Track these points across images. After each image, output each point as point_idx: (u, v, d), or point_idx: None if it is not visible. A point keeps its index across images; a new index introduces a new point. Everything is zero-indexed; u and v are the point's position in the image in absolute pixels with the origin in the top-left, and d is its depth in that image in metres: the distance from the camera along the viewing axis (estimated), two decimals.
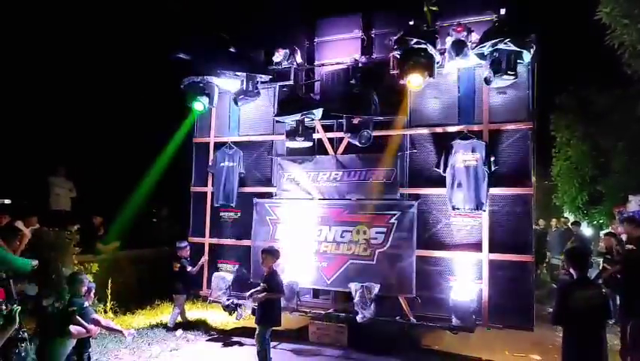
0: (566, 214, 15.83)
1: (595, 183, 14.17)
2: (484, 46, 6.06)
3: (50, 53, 11.27)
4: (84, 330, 5.31)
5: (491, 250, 6.51)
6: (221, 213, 8.25)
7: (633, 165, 12.68)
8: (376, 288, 6.79)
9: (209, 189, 8.34)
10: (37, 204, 9.18)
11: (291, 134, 7.49)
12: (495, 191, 6.55)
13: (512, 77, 6.00)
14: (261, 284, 6.03)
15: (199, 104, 7.47)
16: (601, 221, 14.80)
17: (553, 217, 15.02)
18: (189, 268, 7.89)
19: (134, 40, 11.43)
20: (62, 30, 11.20)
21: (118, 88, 12.05)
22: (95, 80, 11.94)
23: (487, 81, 6.22)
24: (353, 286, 6.88)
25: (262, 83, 7.65)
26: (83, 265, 7.48)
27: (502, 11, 6.15)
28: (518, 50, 5.93)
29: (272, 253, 6.13)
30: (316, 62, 8.11)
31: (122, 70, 11.90)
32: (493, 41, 5.92)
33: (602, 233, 14.48)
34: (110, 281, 8.21)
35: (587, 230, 15.30)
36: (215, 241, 8.25)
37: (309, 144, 7.62)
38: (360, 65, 7.52)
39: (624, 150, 12.87)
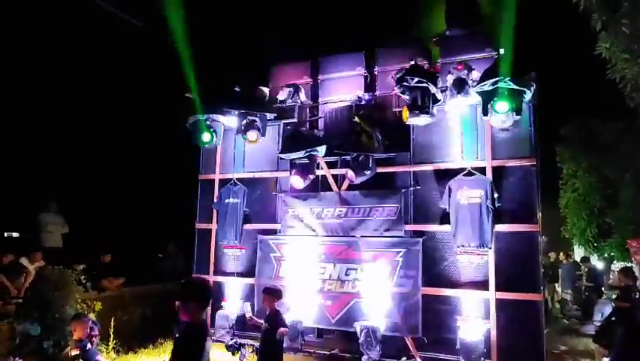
0: (575, 247, 15.61)
1: (603, 215, 14.01)
2: (485, 84, 6.13)
3: (46, 82, 11.16)
4: None
5: (498, 289, 6.38)
6: (226, 250, 8.22)
7: None
8: (382, 328, 6.67)
9: (213, 226, 8.33)
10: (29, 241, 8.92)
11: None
12: (500, 228, 6.48)
13: (514, 117, 6.05)
14: (264, 324, 5.90)
15: (204, 141, 7.60)
16: (612, 254, 14.55)
17: (562, 250, 14.83)
18: None
19: (134, 77, 11.54)
20: (62, 64, 11.22)
21: (120, 124, 12.09)
22: (94, 113, 11.92)
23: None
24: (358, 326, 6.75)
25: (267, 120, 7.77)
26: (85, 302, 7.41)
27: (502, 51, 6.23)
28: (518, 88, 5.99)
29: (272, 293, 5.86)
30: (320, 100, 8.22)
31: (122, 107, 11.95)
32: (493, 80, 6.00)
33: (613, 266, 14.24)
34: (113, 319, 8.10)
35: (598, 263, 15.04)
36: (219, 278, 8.18)
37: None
38: (363, 102, 7.64)
39: (631, 182, 12.78)
